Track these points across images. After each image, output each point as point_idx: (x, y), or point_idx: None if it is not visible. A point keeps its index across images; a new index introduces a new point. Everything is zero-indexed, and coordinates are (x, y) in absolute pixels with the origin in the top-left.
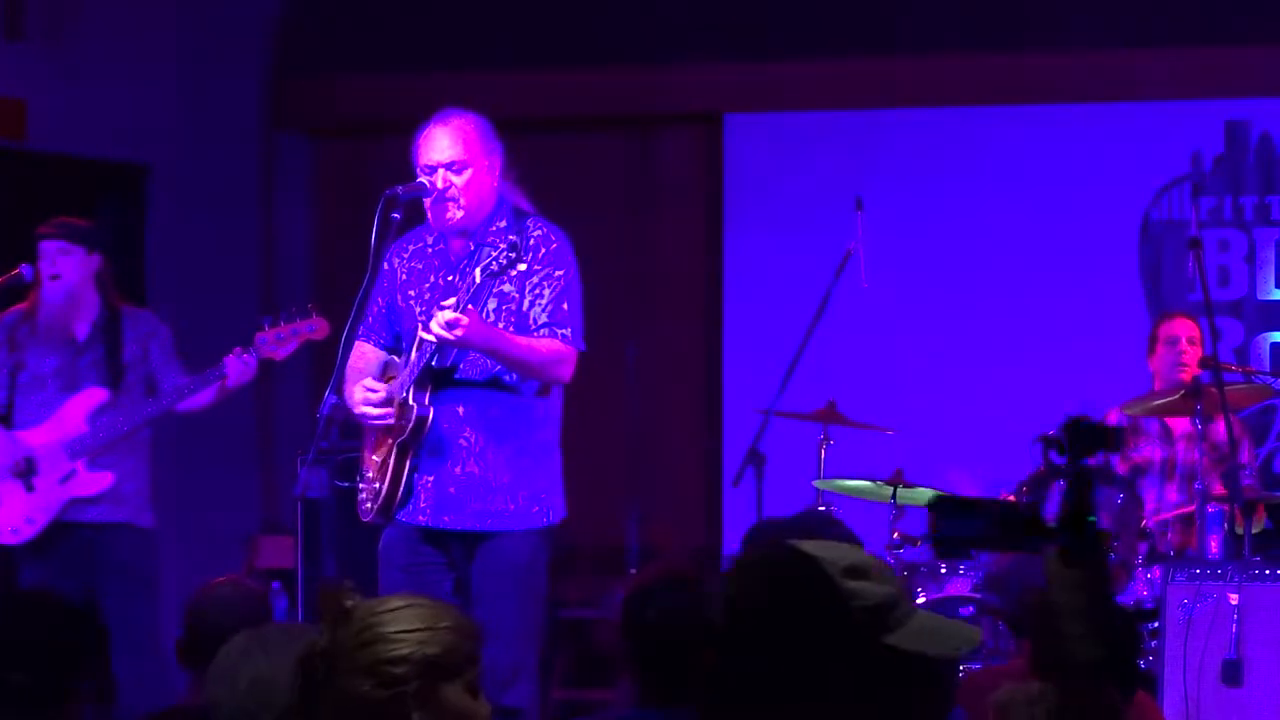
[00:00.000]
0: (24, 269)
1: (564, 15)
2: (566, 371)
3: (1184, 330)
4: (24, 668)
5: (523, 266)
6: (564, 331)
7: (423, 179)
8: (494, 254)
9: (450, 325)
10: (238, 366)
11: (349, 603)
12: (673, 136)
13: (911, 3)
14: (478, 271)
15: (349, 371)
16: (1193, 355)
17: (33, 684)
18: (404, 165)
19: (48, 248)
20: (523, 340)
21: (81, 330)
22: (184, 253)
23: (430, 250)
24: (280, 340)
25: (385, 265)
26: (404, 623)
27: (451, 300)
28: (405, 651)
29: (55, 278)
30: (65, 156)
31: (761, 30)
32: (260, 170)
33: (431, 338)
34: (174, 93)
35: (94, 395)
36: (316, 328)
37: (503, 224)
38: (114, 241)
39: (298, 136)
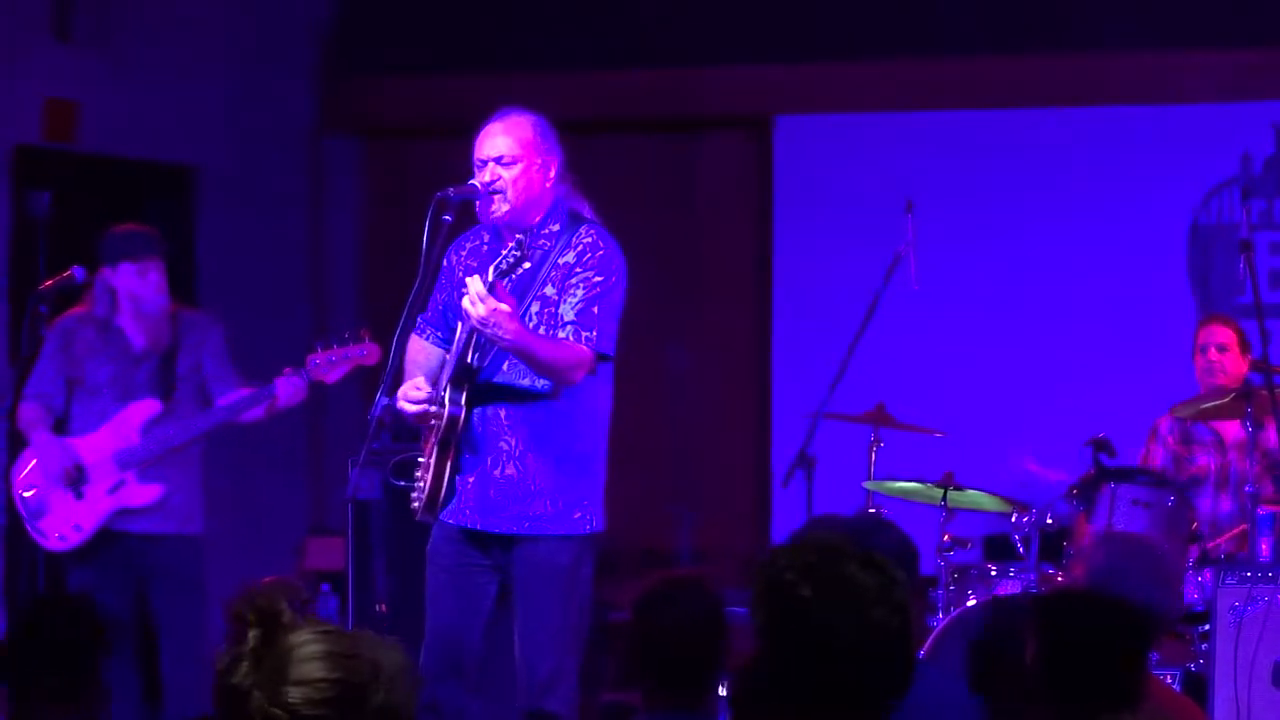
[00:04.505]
0: (76, 270)
1: (613, 17)
2: (579, 375)
3: (1213, 338)
4: (51, 670)
5: (527, 265)
6: (588, 334)
7: (476, 179)
8: (503, 252)
9: (473, 301)
10: (288, 389)
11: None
12: (722, 138)
13: (961, 5)
14: (491, 269)
15: (408, 364)
16: (1223, 362)
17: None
18: (453, 167)
19: (141, 267)
20: (543, 339)
21: (139, 340)
22: (234, 254)
23: (485, 249)
24: (331, 363)
25: (445, 262)
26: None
27: (475, 278)
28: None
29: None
30: (115, 158)
31: (811, 32)
32: (310, 172)
33: (471, 310)
34: (224, 95)
35: (148, 407)
36: (368, 352)
37: (555, 227)
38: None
39: (347, 138)
